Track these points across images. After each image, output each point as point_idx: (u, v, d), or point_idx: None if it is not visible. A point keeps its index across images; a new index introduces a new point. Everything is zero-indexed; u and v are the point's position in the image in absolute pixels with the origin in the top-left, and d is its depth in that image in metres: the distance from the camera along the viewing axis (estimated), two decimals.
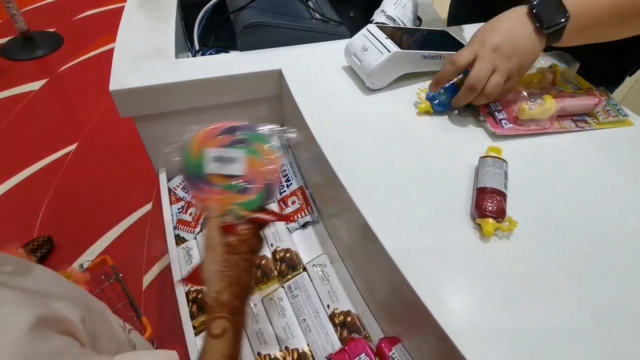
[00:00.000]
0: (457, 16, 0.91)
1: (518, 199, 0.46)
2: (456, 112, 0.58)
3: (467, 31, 0.75)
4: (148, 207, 1.61)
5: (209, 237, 0.38)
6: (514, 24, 0.52)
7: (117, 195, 1.67)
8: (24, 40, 2.34)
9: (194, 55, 0.74)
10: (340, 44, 0.64)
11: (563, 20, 0.49)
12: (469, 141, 0.53)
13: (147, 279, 1.34)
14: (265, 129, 0.42)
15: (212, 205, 0.39)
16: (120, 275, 0.93)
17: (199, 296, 0.57)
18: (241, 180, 0.38)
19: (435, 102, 0.57)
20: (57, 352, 0.29)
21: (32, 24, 2.41)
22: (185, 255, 0.62)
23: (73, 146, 1.82)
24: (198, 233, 0.65)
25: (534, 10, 0.50)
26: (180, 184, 0.73)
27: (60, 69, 2.29)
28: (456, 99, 0.55)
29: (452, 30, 0.72)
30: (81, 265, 0.89)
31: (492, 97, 0.53)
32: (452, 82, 0.58)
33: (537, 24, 0.50)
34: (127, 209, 1.61)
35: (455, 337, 0.35)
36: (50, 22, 2.60)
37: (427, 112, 0.57)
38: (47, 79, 2.21)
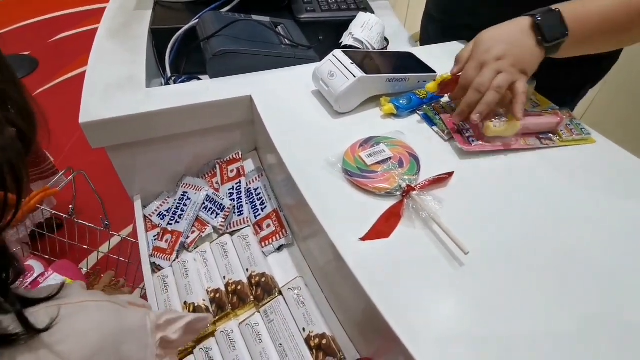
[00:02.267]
0: (427, 35, 0.94)
1: (484, 211, 0.48)
2: (424, 131, 0.60)
3: (433, 52, 0.77)
4: (128, 229, 1.59)
5: None
6: (517, 35, 0.55)
7: (95, 220, 1.64)
8: None
9: (167, 82, 0.75)
10: (309, 68, 0.66)
11: (563, 36, 0.53)
12: (438, 159, 0.55)
13: None
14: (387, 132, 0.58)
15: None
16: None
17: None
18: (392, 160, 0.53)
19: (398, 104, 0.61)
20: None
21: (6, 48, 2.35)
22: (161, 283, 0.62)
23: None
24: (174, 260, 0.65)
25: (537, 24, 0.53)
26: (156, 210, 0.73)
27: (35, 93, 2.26)
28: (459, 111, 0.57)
29: (417, 52, 0.74)
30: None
31: (493, 99, 0.54)
32: (414, 92, 0.63)
33: (539, 37, 0.54)
34: (106, 233, 1.59)
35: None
36: (25, 46, 2.57)
37: (391, 113, 0.61)
38: None
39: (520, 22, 0.56)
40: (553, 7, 0.54)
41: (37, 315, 0.29)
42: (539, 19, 0.53)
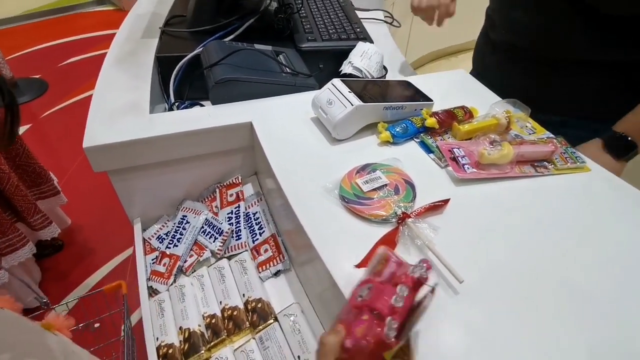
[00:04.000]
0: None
1: (479, 239, 0.48)
2: (421, 159, 0.61)
3: (428, 79, 0.79)
4: (128, 252, 1.59)
5: None
6: (595, 158, 0.62)
7: (97, 241, 1.65)
8: None
9: (170, 108, 0.77)
10: (309, 96, 0.67)
11: (633, 151, 0.68)
12: (434, 186, 0.56)
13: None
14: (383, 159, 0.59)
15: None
16: (128, 307, 0.90)
17: (169, 351, 0.56)
18: (388, 187, 0.53)
19: (394, 132, 0.63)
20: None
21: (18, 71, 2.45)
22: (157, 307, 0.62)
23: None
24: (171, 284, 0.65)
25: (607, 149, 0.69)
26: (155, 233, 0.74)
27: (44, 115, 2.31)
28: None
29: (415, 80, 0.76)
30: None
31: None
32: (410, 119, 0.64)
33: (615, 155, 0.69)
34: (108, 254, 1.60)
35: None
36: (35, 69, 2.65)
37: (387, 141, 0.63)
38: (30, 125, 2.22)
39: (594, 147, 0.70)
40: (616, 130, 0.69)
41: None
42: (607, 144, 0.70)
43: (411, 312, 0.35)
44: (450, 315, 0.42)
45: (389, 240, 0.48)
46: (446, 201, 0.53)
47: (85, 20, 3.31)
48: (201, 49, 0.79)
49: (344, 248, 0.48)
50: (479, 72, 0.87)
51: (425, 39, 2.50)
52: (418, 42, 2.44)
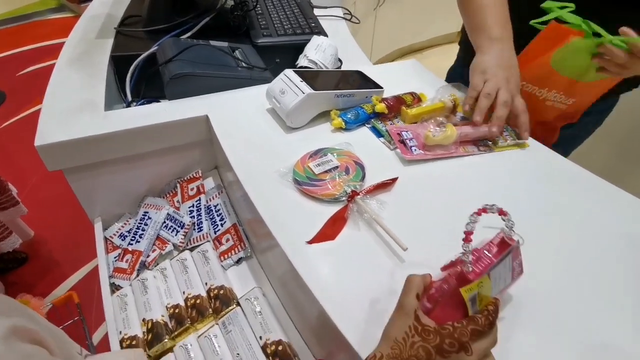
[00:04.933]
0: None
1: (423, 212, 0.51)
2: (372, 142, 0.64)
3: (384, 70, 0.82)
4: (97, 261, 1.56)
5: (404, 299, 0.36)
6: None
7: (63, 252, 1.61)
8: None
9: (128, 106, 0.77)
10: (264, 88, 0.69)
11: None
12: (382, 167, 0.59)
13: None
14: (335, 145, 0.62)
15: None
16: (83, 316, 0.88)
17: (133, 343, 0.56)
18: (339, 169, 0.56)
19: (346, 118, 0.65)
20: (28, 353, 0.30)
21: None
22: (119, 302, 0.62)
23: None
24: (134, 279, 0.65)
25: None
26: (117, 231, 0.73)
27: (2, 126, 2.23)
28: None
29: (369, 70, 0.79)
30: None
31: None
32: (361, 106, 0.67)
33: None
34: (74, 264, 1.56)
35: None
36: None
37: (340, 127, 0.65)
38: None
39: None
40: None
41: None
42: None
43: (497, 263, 0.37)
44: (397, 281, 0.44)
45: (340, 217, 0.50)
46: (394, 180, 0.56)
47: (43, 29, 3.21)
48: (157, 47, 0.79)
49: (297, 228, 0.50)
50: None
51: (389, 37, 2.57)
52: (383, 41, 2.50)
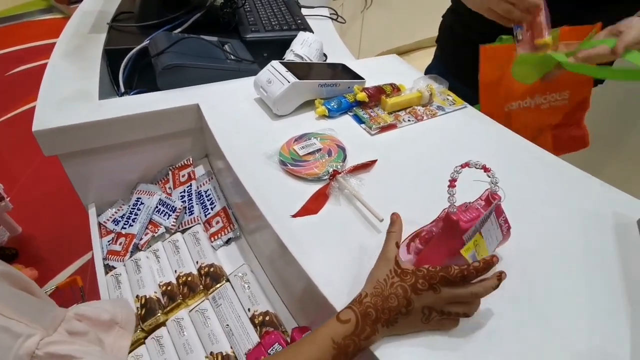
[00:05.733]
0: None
1: (401, 191, 0.55)
2: (353, 129, 0.68)
3: (366, 64, 0.87)
4: (88, 256, 1.57)
5: (385, 248, 0.42)
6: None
7: (53, 248, 1.62)
8: None
9: (120, 97, 0.80)
10: (252, 80, 0.73)
11: None
12: (363, 150, 0.63)
13: None
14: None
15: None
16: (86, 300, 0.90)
17: None
18: (322, 151, 0.60)
19: (329, 106, 0.69)
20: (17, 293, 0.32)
21: None
22: (113, 281, 0.65)
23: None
24: (128, 259, 0.68)
25: None
26: (110, 217, 0.76)
27: None
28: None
29: (351, 63, 0.83)
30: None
31: None
32: (344, 96, 0.71)
33: None
34: (65, 259, 1.57)
35: None
36: None
37: (324, 115, 0.69)
38: None
39: None
40: None
41: None
42: None
43: (485, 219, 0.40)
44: (374, 248, 0.48)
45: (322, 194, 0.54)
46: (373, 162, 0.60)
47: (32, 29, 3.20)
48: (149, 40, 0.82)
49: (282, 203, 0.53)
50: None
51: (376, 40, 2.62)
52: (370, 43, 2.55)
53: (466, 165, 0.40)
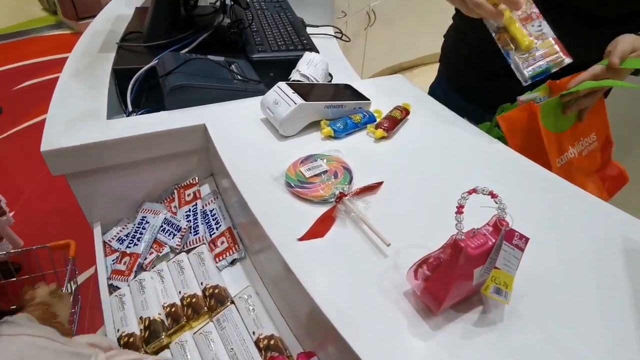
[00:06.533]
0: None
1: (408, 214, 0.55)
2: (357, 147, 0.68)
3: (371, 84, 0.87)
4: (90, 271, 1.57)
5: None
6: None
7: (57, 258, 1.62)
8: None
9: (128, 116, 0.80)
10: (259, 100, 0.73)
11: None
12: (369, 173, 0.63)
13: None
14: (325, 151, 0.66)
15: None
16: (77, 271, 0.88)
17: (130, 340, 0.59)
18: (328, 173, 0.60)
19: (335, 127, 0.69)
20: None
21: None
22: (117, 302, 0.64)
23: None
24: (132, 280, 0.67)
25: None
26: (115, 235, 0.76)
27: None
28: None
29: (356, 84, 0.84)
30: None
31: None
32: (350, 116, 0.71)
33: None
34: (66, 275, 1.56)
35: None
36: None
37: (329, 136, 0.69)
38: None
39: None
40: None
41: None
42: None
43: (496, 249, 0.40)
44: (381, 273, 0.48)
45: (328, 217, 0.54)
46: (379, 184, 0.60)
47: (41, 44, 3.26)
48: (157, 60, 0.84)
49: (288, 226, 0.53)
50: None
51: (379, 56, 2.66)
52: (373, 59, 2.58)
53: (473, 191, 0.40)
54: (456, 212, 0.40)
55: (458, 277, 0.41)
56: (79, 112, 0.73)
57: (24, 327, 0.35)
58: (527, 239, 0.43)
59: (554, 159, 0.71)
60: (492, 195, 0.40)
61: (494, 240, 0.41)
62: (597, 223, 0.56)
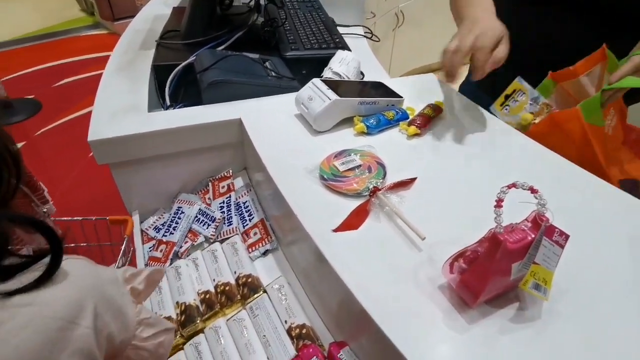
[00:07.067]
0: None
1: (442, 210, 0.55)
2: (390, 143, 0.69)
3: (401, 81, 0.88)
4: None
5: None
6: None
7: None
8: (3, 107, 2.42)
9: (166, 110, 0.84)
10: (293, 96, 0.75)
11: None
12: (402, 168, 0.63)
13: None
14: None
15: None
16: (132, 248, 0.89)
17: None
18: (362, 168, 0.61)
19: (368, 123, 0.70)
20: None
21: (12, 92, 2.51)
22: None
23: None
24: (169, 266, 0.70)
25: None
26: (152, 224, 0.79)
27: (37, 133, 2.36)
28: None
29: (388, 82, 0.84)
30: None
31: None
32: (382, 113, 0.71)
33: None
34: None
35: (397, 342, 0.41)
36: (29, 90, 2.71)
37: (362, 132, 0.70)
38: (24, 142, 2.27)
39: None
40: None
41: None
42: None
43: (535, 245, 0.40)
44: (416, 266, 0.48)
45: (362, 210, 0.55)
46: (413, 179, 0.60)
47: (79, 44, 3.40)
48: (194, 57, 0.87)
49: (322, 217, 0.54)
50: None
51: (407, 57, 2.64)
52: (400, 60, 2.57)
53: (513, 186, 0.40)
54: (495, 206, 0.40)
55: (495, 271, 0.41)
56: (121, 105, 0.76)
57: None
58: (567, 236, 0.43)
59: (604, 151, 0.69)
60: (532, 190, 0.40)
61: (533, 236, 0.41)
62: (636, 223, 0.55)
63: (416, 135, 0.70)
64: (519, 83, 0.73)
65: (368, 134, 0.71)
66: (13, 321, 0.26)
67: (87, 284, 0.33)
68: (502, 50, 0.65)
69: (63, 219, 0.80)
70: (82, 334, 0.29)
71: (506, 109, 0.75)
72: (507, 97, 0.75)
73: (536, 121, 0.71)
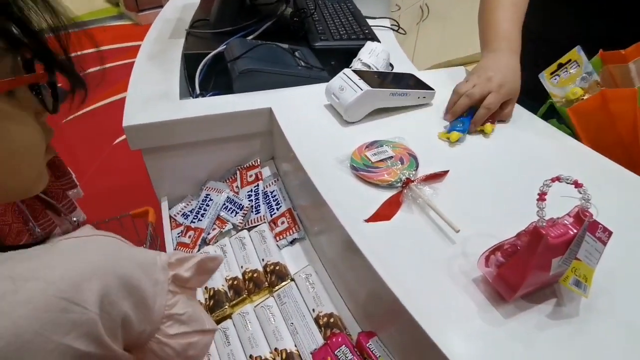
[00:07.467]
0: None
1: (476, 203, 0.55)
2: (422, 135, 0.68)
3: (431, 74, 0.86)
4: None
5: None
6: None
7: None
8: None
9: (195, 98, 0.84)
10: (322, 86, 0.75)
11: None
12: (435, 160, 0.62)
13: None
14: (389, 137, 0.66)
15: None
16: (158, 237, 0.90)
17: None
18: (394, 159, 0.60)
19: (457, 129, 0.67)
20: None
21: None
22: None
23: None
24: (197, 252, 0.71)
25: None
26: (180, 210, 0.80)
27: (63, 121, 2.41)
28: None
29: (418, 74, 0.83)
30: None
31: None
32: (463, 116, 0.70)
33: None
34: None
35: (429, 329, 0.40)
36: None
37: (457, 140, 0.67)
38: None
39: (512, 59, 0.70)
40: None
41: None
42: None
43: (577, 241, 0.40)
44: (449, 258, 0.48)
45: (395, 201, 0.54)
46: (445, 172, 0.59)
47: (104, 34, 3.46)
48: (225, 46, 0.87)
49: (354, 207, 0.54)
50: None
51: (431, 51, 2.60)
52: (424, 54, 2.54)
53: (557, 179, 0.39)
54: (538, 199, 0.39)
55: (535, 266, 0.40)
56: (154, 92, 0.77)
57: (97, 231, 0.34)
58: (610, 233, 0.42)
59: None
60: (577, 184, 0.39)
61: (575, 231, 0.40)
62: None
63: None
64: (577, 53, 0.67)
65: (462, 138, 0.67)
66: (17, 295, 0.25)
67: (96, 264, 0.30)
68: (508, 114, 0.70)
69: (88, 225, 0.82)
70: (88, 318, 0.27)
71: (555, 79, 0.70)
72: (560, 65, 0.69)
73: (585, 97, 0.67)
